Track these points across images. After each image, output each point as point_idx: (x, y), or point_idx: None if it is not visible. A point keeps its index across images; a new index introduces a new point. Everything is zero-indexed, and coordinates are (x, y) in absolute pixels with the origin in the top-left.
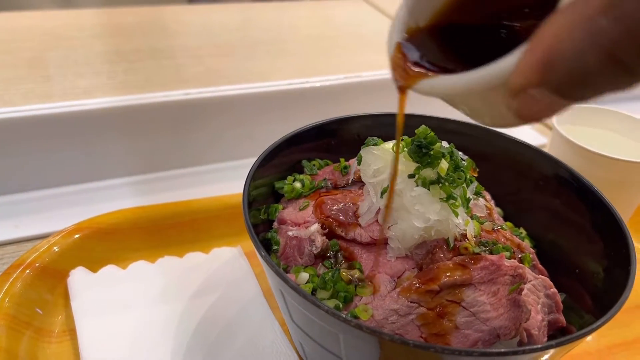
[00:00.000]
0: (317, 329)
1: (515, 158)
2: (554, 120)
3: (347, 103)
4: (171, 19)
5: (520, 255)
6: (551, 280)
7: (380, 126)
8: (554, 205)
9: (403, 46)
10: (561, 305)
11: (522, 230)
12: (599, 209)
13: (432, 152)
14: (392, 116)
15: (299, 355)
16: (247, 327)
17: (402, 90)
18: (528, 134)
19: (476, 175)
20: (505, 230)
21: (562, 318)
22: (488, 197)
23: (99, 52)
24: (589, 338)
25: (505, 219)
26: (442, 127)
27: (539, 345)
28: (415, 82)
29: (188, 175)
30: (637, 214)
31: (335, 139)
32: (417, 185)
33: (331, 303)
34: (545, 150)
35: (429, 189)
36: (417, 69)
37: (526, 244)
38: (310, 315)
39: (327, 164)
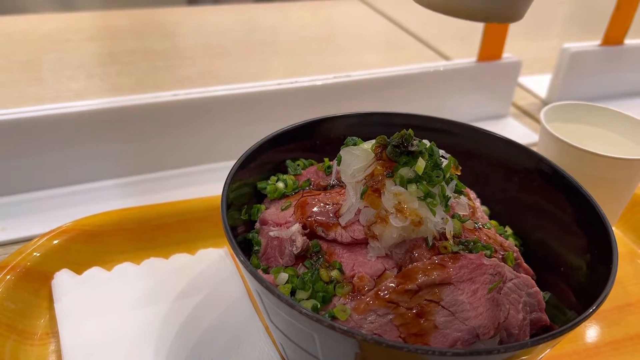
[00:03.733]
0: (294, 330)
1: (501, 156)
2: (542, 117)
3: (337, 103)
4: (165, 21)
5: (502, 254)
6: (538, 279)
7: (366, 125)
8: (540, 203)
9: None
10: (544, 304)
11: (507, 229)
12: (582, 206)
13: (409, 151)
14: (377, 115)
15: (281, 356)
16: (230, 328)
17: None
18: (521, 130)
19: (459, 174)
20: (489, 229)
21: (544, 317)
22: (472, 195)
23: (92, 55)
24: (577, 337)
25: (492, 217)
26: (427, 126)
27: (515, 344)
28: None
29: (177, 177)
30: (629, 210)
31: (320, 139)
32: (395, 185)
33: (309, 303)
34: (535, 148)
35: (406, 188)
36: None
37: (510, 242)
38: (286, 316)
39: (312, 164)
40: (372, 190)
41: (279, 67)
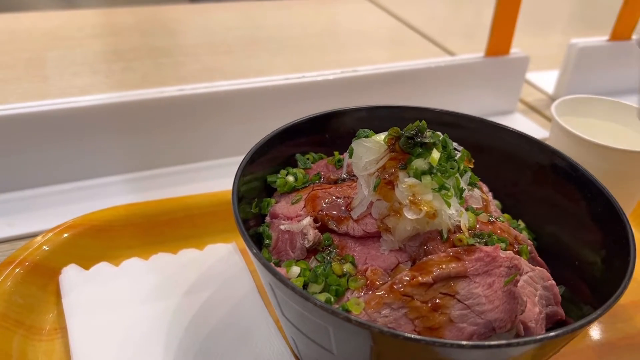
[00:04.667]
0: (307, 323)
1: (513, 150)
2: (553, 111)
3: (344, 98)
4: (169, 18)
5: (517, 247)
6: (551, 273)
7: (375, 119)
8: (553, 197)
9: None
10: (559, 297)
11: (520, 222)
12: (598, 199)
13: (423, 142)
14: (386, 109)
15: (292, 352)
16: (240, 323)
17: None
18: (529, 126)
19: (471, 167)
20: (503, 222)
21: (560, 311)
22: (485, 188)
23: (96, 52)
24: (592, 332)
25: (504, 211)
26: (439, 120)
27: (533, 337)
28: None
29: (184, 172)
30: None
31: (329, 132)
32: (409, 177)
33: (322, 297)
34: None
35: (420, 180)
36: None
37: (524, 236)
38: (300, 309)
39: (322, 158)
40: (385, 182)
41: (283, 64)
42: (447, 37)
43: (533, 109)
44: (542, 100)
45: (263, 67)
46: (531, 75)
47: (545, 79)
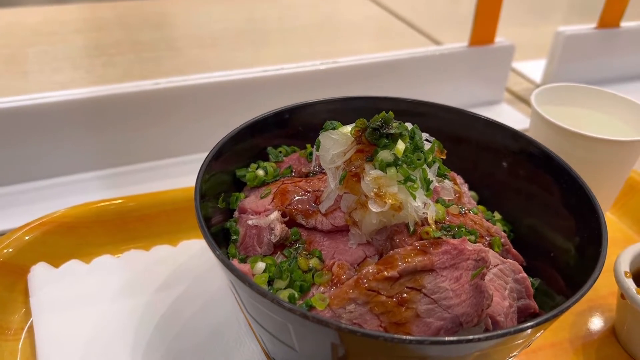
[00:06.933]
0: (269, 321)
1: (490, 140)
2: (533, 100)
3: (325, 90)
4: (153, 12)
5: (489, 240)
6: (527, 265)
7: (350, 110)
8: (529, 187)
9: None
10: (532, 290)
11: (496, 214)
12: (571, 188)
13: (389, 133)
14: (360, 100)
15: (263, 349)
16: (211, 321)
17: None
18: (514, 116)
19: (444, 157)
20: (477, 213)
21: (533, 304)
22: (459, 180)
23: (79, 47)
24: (579, 324)
25: (481, 203)
26: (414, 110)
27: (496, 332)
28: None
29: (158, 168)
30: (625, 195)
31: (302, 125)
32: (375, 169)
33: (286, 293)
34: (527, 133)
35: (385, 172)
36: None
37: (497, 227)
38: (259, 306)
39: (295, 151)
40: (351, 175)
41: (268, 57)
42: (436, 27)
43: (520, 99)
44: (530, 89)
45: (248, 60)
46: (519, 65)
47: (532, 68)
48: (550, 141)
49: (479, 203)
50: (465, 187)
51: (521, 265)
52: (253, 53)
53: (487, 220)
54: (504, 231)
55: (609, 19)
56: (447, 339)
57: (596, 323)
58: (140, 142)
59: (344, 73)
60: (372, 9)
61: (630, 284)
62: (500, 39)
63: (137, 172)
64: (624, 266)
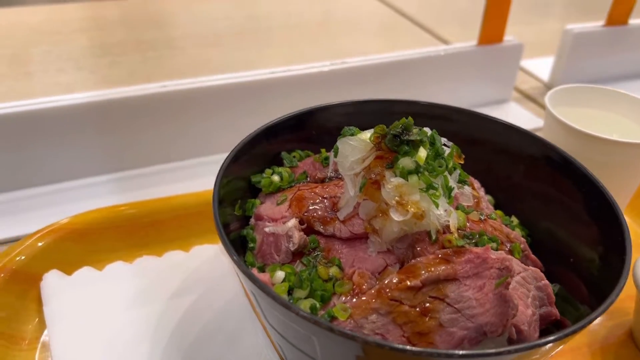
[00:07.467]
0: (291, 331)
1: (505, 143)
2: (547, 101)
3: (334, 91)
4: (156, 11)
5: (509, 246)
6: (545, 270)
7: (362, 114)
8: (547, 191)
9: None
10: (553, 297)
11: (513, 218)
12: (592, 194)
13: (410, 140)
14: (374, 103)
15: (280, 357)
16: (227, 328)
17: None
18: (523, 115)
19: (462, 162)
20: (495, 219)
21: (555, 311)
22: (476, 185)
23: (82, 47)
24: (595, 328)
25: (497, 207)
26: (428, 113)
27: (525, 345)
28: None
29: (170, 171)
30: (638, 197)
31: (315, 129)
32: (395, 176)
33: (307, 303)
34: (540, 133)
35: (407, 180)
36: None
37: (516, 233)
38: (282, 317)
39: (309, 156)
40: (371, 182)
41: (273, 56)
42: (442, 25)
43: (528, 97)
44: (538, 88)
45: (252, 59)
46: (526, 63)
47: (540, 66)
48: (564, 143)
49: (495, 207)
50: (482, 192)
51: (541, 270)
52: (257, 52)
53: (506, 225)
54: (522, 236)
55: (617, 16)
56: (477, 352)
57: (614, 327)
58: (147, 145)
59: (353, 74)
60: (375, 5)
61: None
62: (509, 37)
63: (146, 176)
64: None
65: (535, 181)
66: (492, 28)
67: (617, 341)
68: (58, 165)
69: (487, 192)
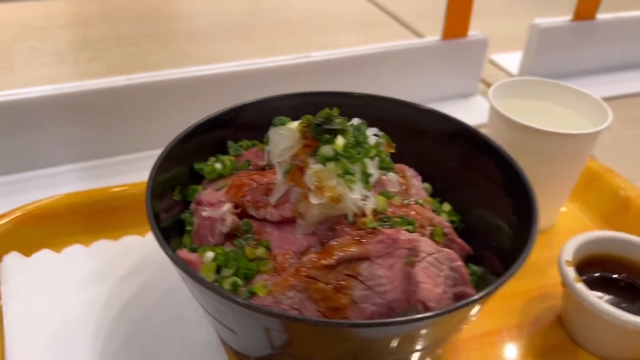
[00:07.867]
0: (211, 306)
1: (440, 132)
2: (491, 94)
3: (296, 84)
4: (139, 6)
5: (430, 229)
6: (474, 254)
7: (309, 105)
8: (475, 177)
9: None
10: (467, 277)
11: (445, 205)
12: (509, 174)
13: (331, 129)
14: (321, 95)
15: (220, 337)
16: (171, 308)
17: None
18: (486, 107)
19: (393, 151)
20: (422, 204)
21: (469, 290)
22: (410, 173)
23: (65, 42)
24: (526, 310)
25: (435, 195)
26: (372, 105)
27: (414, 317)
28: None
29: (132, 161)
30: (585, 185)
31: (262, 120)
32: (316, 163)
33: (230, 280)
34: (485, 126)
35: (325, 166)
36: None
37: (441, 218)
38: (195, 290)
39: (255, 145)
40: (296, 169)
41: (252, 50)
42: (420, 20)
43: None
44: None
45: (232, 54)
46: (496, 57)
47: (510, 60)
48: (507, 135)
49: (433, 195)
50: (416, 180)
51: (468, 254)
52: (237, 46)
53: (434, 211)
54: (453, 222)
55: (585, 11)
56: (364, 322)
57: (545, 310)
58: (109, 136)
59: (317, 67)
60: (358, 1)
61: (570, 272)
62: (474, 32)
63: (114, 165)
64: (567, 255)
65: (464, 168)
66: (456, 23)
67: (547, 324)
68: (22, 155)
69: (426, 180)
